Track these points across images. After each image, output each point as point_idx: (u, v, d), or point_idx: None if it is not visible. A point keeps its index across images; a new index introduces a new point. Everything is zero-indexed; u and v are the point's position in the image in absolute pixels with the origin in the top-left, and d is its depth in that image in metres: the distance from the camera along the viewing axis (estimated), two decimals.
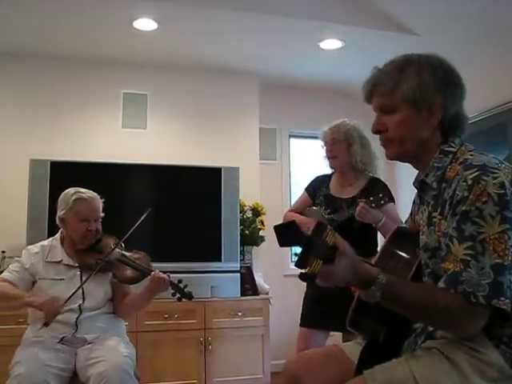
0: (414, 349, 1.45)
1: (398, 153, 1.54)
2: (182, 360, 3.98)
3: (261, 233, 4.70)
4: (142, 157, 4.45)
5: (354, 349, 1.64)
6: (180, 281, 2.61)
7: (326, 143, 3.06)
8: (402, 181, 5.27)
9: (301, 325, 3.06)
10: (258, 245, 4.69)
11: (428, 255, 1.44)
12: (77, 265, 2.62)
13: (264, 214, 4.75)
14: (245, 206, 4.67)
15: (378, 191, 2.80)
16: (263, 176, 5.03)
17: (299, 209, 3.14)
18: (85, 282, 2.50)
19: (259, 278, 4.48)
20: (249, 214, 4.69)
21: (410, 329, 1.53)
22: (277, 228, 2.86)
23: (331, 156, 3.03)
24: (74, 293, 2.43)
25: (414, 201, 1.73)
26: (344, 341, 2.97)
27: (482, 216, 1.28)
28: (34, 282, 2.56)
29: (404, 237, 1.63)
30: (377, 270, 1.34)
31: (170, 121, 4.89)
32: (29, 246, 2.71)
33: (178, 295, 2.59)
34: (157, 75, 4.86)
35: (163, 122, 4.87)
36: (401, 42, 4.08)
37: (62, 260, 2.62)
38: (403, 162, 1.61)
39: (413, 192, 1.68)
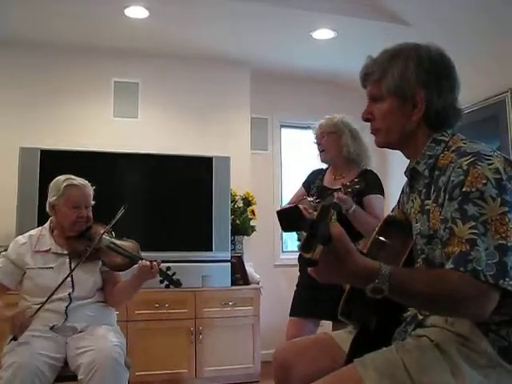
0: (404, 337, 1.45)
1: (384, 141, 1.57)
2: (172, 349, 3.99)
3: (252, 222, 4.71)
4: (133, 146, 4.43)
5: (344, 337, 1.64)
6: (168, 268, 2.60)
7: (315, 137, 3.07)
8: (394, 171, 5.29)
9: (291, 314, 3.06)
10: (248, 234, 4.70)
11: (424, 241, 1.44)
12: (66, 252, 2.62)
13: (255, 203, 4.75)
14: (236, 195, 4.67)
15: (363, 180, 2.77)
16: (254, 166, 5.03)
17: (295, 202, 3.15)
18: (74, 268, 2.49)
19: (250, 268, 4.49)
20: (240, 204, 4.69)
21: (401, 317, 1.53)
22: (279, 213, 2.87)
23: (321, 149, 3.04)
24: (63, 282, 2.42)
25: (402, 190, 1.73)
26: (334, 330, 2.98)
27: (483, 197, 1.28)
28: (23, 273, 2.55)
29: (393, 226, 1.62)
30: (379, 263, 1.29)
31: (161, 110, 4.87)
32: (17, 237, 2.70)
33: (165, 282, 2.58)
34: (148, 64, 4.83)
35: (155, 110, 4.84)
36: (394, 33, 4.06)
37: (50, 248, 2.61)
38: (391, 149, 1.63)
39: (403, 176, 1.68)
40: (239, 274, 4.37)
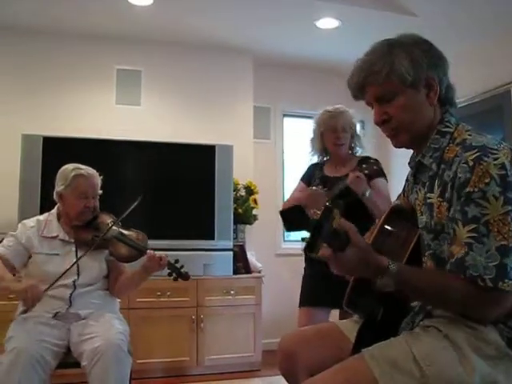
0: (412, 327, 1.46)
1: (408, 138, 1.51)
2: (173, 338, 4.00)
3: (254, 211, 4.70)
4: (136, 134, 4.41)
5: (350, 326, 1.64)
6: (177, 261, 2.59)
7: (332, 129, 3.02)
8: (396, 161, 5.29)
9: (301, 305, 3.04)
10: (250, 223, 4.69)
11: (431, 237, 1.43)
12: (72, 240, 2.60)
13: (257, 192, 4.74)
14: (238, 184, 4.66)
15: (371, 163, 2.83)
16: (257, 155, 5.02)
17: (299, 197, 3.13)
18: (80, 258, 2.49)
19: (252, 257, 4.49)
20: (242, 193, 4.68)
21: (408, 308, 1.53)
22: (282, 213, 2.86)
23: (341, 143, 3.02)
24: (69, 269, 2.41)
25: (407, 178, 1.72)
26: (341, 318, 2.99)
27: (486, 197, 1.28)
28: (29, 257, 2.54)
29: (400, 215, 1.62)
30: (387, 260, 1.35)
31: (164, 98, 4.85)
32: (24, 221, 2.67)
33: (174, 275, 2.57)
34: (151, 51, 4.80)
35: (157, 98, 4.82)
36: (398, 22, 4.04)
37: (57, 235, 2.59)
38: (409, 148, 1.58)
39: (406, 167, 1.67)
40: (241, 263, 4.37)
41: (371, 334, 1.48)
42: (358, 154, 3.12)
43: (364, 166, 2.75)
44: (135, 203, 2.57)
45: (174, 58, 4.87)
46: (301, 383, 1.51)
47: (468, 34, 4.00)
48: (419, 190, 1.53)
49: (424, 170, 1.51)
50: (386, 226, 1.57)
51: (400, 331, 1.49)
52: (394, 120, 1.49)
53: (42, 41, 4.53)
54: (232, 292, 4.18)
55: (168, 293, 4.00)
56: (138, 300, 3.89)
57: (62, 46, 4.59)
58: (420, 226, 1.48)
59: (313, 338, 1.66)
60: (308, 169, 3.22)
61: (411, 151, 1.61)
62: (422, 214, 1.49)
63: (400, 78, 1.44)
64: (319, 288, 2.94)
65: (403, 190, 1.76)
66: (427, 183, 1.48)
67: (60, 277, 2.38)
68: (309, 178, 3.14)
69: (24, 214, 3.45)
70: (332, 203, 1.35)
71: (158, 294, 3.98)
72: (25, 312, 2.30)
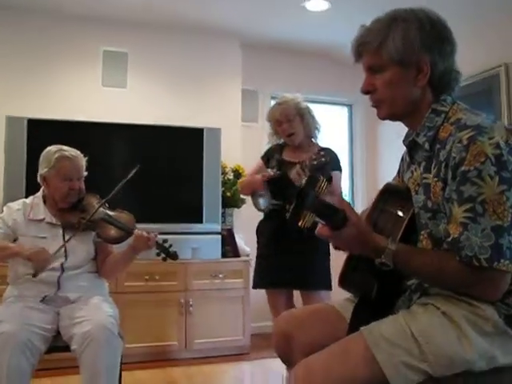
0: (409, 305, 1.45)
1: (389, 113, 1.52)
2: (162, 321, 3.99)
3: (242, 195, 4.66)
4: (123, 116, 4.36)
5: (345, 305, 1.63)
6: (165, 240, 2.57)
7: (277, 122, 3.11)
8: (383, 146, 5.29)
9: (259, 286, 3.17)
10: (238, 207, 4.67)
11: (428, 216, 1.43)
12: (59, 223, 2.56)
13: (245, 176, 4.70)
14: (226, 167, 4.63)
15: (324, 153, 2.85)
16: (244, 138, 4.98)
17: (254, 174, 3.21)
18: (68, 240, 2.45)
19: (240, 240, 4.47)
20: (230, 176, 4.66)
21: (403, 285, 1.53)
22: (268, 181, 2.89)
23: (290, 133, 3.08)
24: (59, 249, 2.39)
25: (402, 158, 1.71)
26: (303, 298, 3.04)
27: (481, 176, 1.27)
28: (15, 240, 2.50)
29: (393, 193, 1.61)
30: (386, 241, 1.37)
31: (150, 80, 4.78)
32: (10, 203, 2.62)
33: (162, 255, 2.55)
34: (138, 33, 4.73)
35: (144, 81, 4.76)
36: (391, 5, 3.99)
37: (44, 218, 2.55)
38: (395, 121, 1.58)
39: (393, 151, 1.66)
40: (229, 247, 4.36)
41: (367, 312, 1.48)
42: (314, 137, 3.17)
43: (313, 157, 2.78)
44: (122, 182, 2.53)
45: (161, 40, 4.81)
46: (297, 363, 1.49)
47: (456, 17, 3.94)
48: (415, 169, 1.52)
49: (419, 148, 1.51)
50: (380, 204, 1.56)
51: (397, 309, 1.48)
52: (378, 92, 1.49)
53: (27, 21, 4.43)
54: (220, 276, 4.17)
55: (156, 277, 3.97)
56: (126, 284, 3.86)
57: (47, 27, 4.50)
58: (417, 205, 1.47)
59: (309, 319, 1.65)
60: (269, 149, 3.28)
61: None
62: (416, 193, 1.48)
63: (388, 54, 1.44)
64: (269, 269, 3.07)
65: (398, 170, 1.75)
66: (423, 163, 1.47)
67: (55, 253, 2.36)
68: (267, 158, 3.20)
69: (9, 197, 3.39)
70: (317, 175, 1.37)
71: (146, 277, 3.95)
72: (35, 275, 2.29)
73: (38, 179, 2.60)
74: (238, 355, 4.13)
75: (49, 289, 2.42)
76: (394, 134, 4.94)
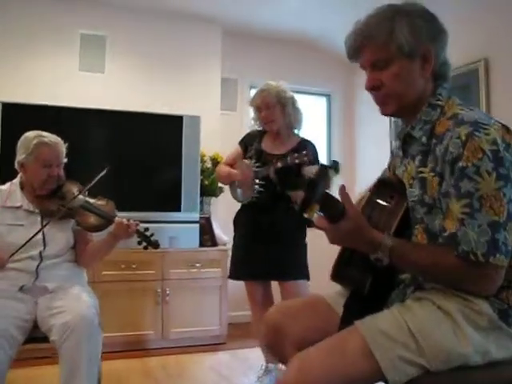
0: (403, 299, 1.45)
1: (397, 108, 1.50)
2: (138, 311, 3.95)
3: (220, 184, 4.63)
4: (100, 101, 4.27)
5: (336, 299, 1.62)
6: (146, 229, 2.55)
7: (257, 109, 3.08)
8: (360, 140, 5.30)
9: (229, 277, 3.21)
10: (216, 196, 4.64)
11: (424, 211, 1.42)
12: (37, 211, 2.50)
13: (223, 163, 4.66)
14: (205, 156, 4.59)
15: (306, 151, 2.82)
16: (223, 126, 4.93)
17: (232, 162, 3.19)
18: (44, 226, 2.39)
19: (218, 229, 4.44)
20: (208, 165, 4.61)
21: (396, 279, 1.52)
22: (278, 171, 2.84)
23: (269, 121, 3.04)
24: (33, 237, 2.32)
25: (392, 152, 1.71)
26: (281, 289, 3.05)
27: (479, 172, 1.28)
28: None
29: (387, 186, 1.61)
30: (382, 236, 1.38)
31: (129, 65, 4.69)
32: None
33: (144, 243, 2.53)
34: (117, 17, 4.62)
35: (122, 66, 4.66)
36: None
37: (21, 205, 2.48)
38: (398, 117, 1.58)
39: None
40: (207, 235, 4.33)
41: (359, 306, 1.47)
42: (296, 128, 3.13)
43: (296, 155, 2.77)
44: (102, 173, 2.49)
45: (141, 24, 4.71)
46: (287, 355, 1.50)
47: (437, 10, 3.98)
48: (408, 163, 1.52)
49: (413, 142, 1.50)
50: (373, 197, 1.56)
51: (390, 303, 1.48)
52: (385, 88, 1.47)
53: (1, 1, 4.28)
54: (198, 265, 4.14)
55: (133, 265, 3.92)
56: (103, 273, 3.80)
57: (23, 7, 4.36)
58: (412, 199, 1.46)
59: (299, 311, 1.64)
60: (247, 134, 3.24)
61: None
62: (411, 187, 1.48)
63: (398, 46, 1.42)
64: (243, 260, 3.07)
65: (388, 165, 1.75)
66: (418, 157, 1.46)
67: (24, 244, 2.29)
68: (245, 145, 3.17)
69: None
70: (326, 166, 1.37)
71: (123, 266, 3.89)
72: None
73: (16, 166, 2.52)
74: (214, 345, 4.11)
75: (27, 278, 2.36)
76: (371, 125, 4.97)
